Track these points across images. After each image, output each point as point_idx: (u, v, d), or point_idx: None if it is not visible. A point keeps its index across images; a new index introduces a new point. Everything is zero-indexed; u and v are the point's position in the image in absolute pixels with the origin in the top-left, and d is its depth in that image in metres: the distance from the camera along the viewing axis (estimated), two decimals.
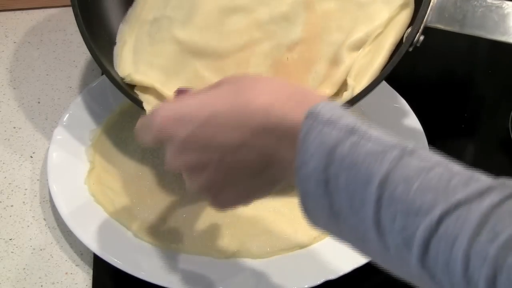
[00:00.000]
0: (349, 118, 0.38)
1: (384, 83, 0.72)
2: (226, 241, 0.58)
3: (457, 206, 0.33)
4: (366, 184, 0.36)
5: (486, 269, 0.31)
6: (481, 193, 0.33)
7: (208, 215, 0.59)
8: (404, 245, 0.34)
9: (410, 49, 0.58)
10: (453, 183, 0.34)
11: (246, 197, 0.45)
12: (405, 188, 0.34)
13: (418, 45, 0.58)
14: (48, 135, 0.69)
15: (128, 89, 0.63)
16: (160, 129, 0.44)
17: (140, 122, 0.47)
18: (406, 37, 0.59)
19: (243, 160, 0.42)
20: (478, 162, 0.70)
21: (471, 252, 0.32)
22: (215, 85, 0.44)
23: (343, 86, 0.62)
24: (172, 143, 0.43)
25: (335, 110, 0.38)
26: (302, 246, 0.58)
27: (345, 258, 0.55)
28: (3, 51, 0.80)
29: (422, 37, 0.58)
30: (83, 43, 0.62)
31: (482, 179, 0.34)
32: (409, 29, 0.59)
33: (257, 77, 0.44)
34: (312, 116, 0.38)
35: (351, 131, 0.37)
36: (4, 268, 0.56)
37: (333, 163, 0.37)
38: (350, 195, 0.36)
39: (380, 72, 0.59)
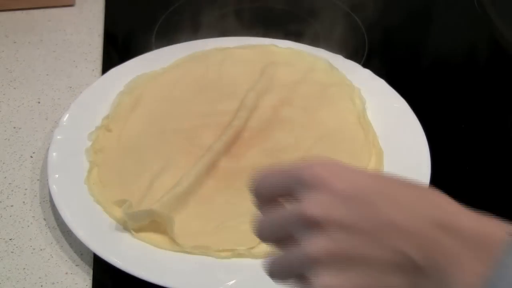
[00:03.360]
0: None
1: (384, 83, 0.73)
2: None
3: None
4: None
5: None
6: None
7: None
8: None
9: None
10: None
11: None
12: None
13: None
14: (48, 135, 0.69)
15: None
16: (315, 172, 0.37)
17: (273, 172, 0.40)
18: None
19: (399, 250, 0.36)
20: (478, 162, 0.71)
21: None
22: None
23: None
24: (323, 191, 0.37)
25: None
26: None
27: None
28: (3, 51, 0.80)
29: None
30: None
31: None
32: None
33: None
34: None
35: None
36: (4, 268, 0.56)
37: None
38: None
39: None
